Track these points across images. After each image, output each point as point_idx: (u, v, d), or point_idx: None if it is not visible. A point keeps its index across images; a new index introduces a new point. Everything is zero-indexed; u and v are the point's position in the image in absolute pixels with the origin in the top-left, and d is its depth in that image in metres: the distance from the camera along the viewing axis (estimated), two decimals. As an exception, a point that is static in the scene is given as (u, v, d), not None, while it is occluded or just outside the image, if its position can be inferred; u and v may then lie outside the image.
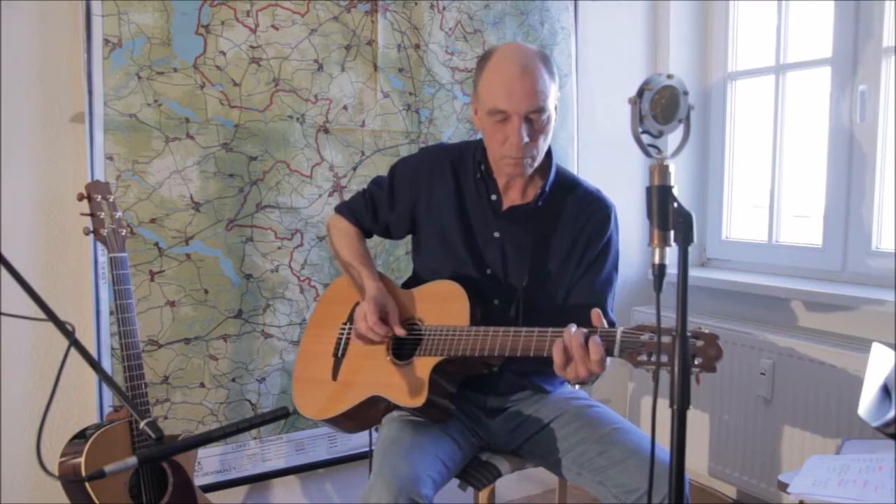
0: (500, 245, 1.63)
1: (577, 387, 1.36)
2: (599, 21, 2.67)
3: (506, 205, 1.63)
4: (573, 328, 1.31)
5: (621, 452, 1.46)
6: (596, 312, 1.32)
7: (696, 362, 1.16)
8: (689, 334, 1.12)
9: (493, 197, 1.63)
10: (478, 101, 1.56)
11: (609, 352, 1.28)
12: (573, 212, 1.63)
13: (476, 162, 1.65)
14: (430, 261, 1.69)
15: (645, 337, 1.24)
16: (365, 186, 1.80)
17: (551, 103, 1.51)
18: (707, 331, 1.18)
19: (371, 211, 1.75)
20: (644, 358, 1.23)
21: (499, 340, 1.42)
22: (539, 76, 1.48)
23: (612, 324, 1.40)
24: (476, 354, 1.44)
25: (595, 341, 1.28)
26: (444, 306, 1.55)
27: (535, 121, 1.49)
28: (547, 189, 1.62)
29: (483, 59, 1.55)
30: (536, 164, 1.57)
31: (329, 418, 1.63)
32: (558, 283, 1.62)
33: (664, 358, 1.18)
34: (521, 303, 1.60)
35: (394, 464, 1.41)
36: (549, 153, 1.63)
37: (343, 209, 1.80)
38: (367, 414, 1.63)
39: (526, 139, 1.48)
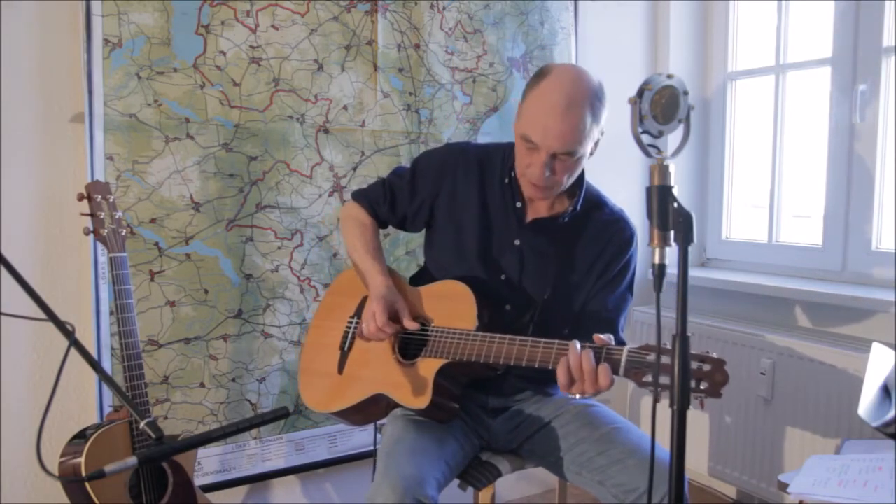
0: (519, 253, 1.61)
1: (577, 396, 1.35)
2: (599, 21, 2.67)
3: (531, 215, 1.61)
4: (578, 345, 1.30)
5: (621, 452, 1.46)
6: (597, 337, 1.32)
7: (701, 387, 1.15)
8: (696, 356, 1.11)
9: (519, 204, 1.61)
10: (519, 118, 1.52)
11: (615, 371, 1.28)
12: (597, 230, 1.61)
13: (507, 166, 1.62)
14: (441, 257, 1.67)
15: (651, 357, 1.23)
16: (385, 176, 1.76)
17: (587, 146, 1.48)
18: (715, 355, 1.17)
19: (389, 202, 1.71)
20: (650, 378, 1.22)
21: (504, 348, 1.41)
22: (580, 119, 1.42)
23: (621, 343, 1.37)
24: (481, 360, 1.43)
25: (605, 366, 1.27)
26: (451, 307, 1.53)
27: (563, 159, 1.46)
28: (578, 208, 1.60)
29: (536, 77, 1.49)
30: (558, 192, 1.55)
31: (333, 412, 1.63)
32: (577, 297, 1.62)
33: (665, 380, 1.17)
34: (539, 313, 1.59)
35: (399, 464, 1.41)
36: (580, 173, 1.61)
37: (360, 197, 1.75)
38: (371, 409, 1.62)
39: (548, 174, 1.46)
